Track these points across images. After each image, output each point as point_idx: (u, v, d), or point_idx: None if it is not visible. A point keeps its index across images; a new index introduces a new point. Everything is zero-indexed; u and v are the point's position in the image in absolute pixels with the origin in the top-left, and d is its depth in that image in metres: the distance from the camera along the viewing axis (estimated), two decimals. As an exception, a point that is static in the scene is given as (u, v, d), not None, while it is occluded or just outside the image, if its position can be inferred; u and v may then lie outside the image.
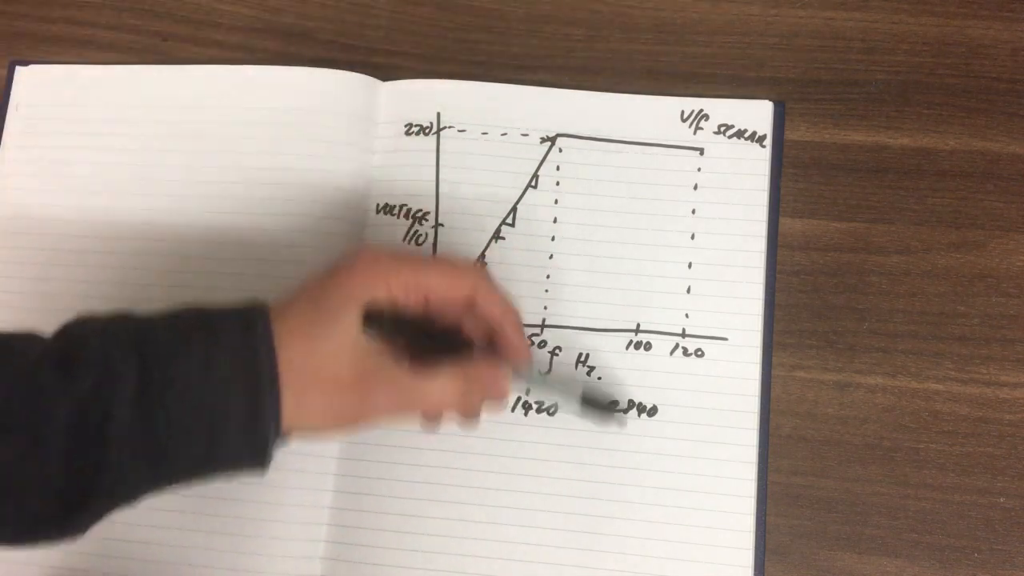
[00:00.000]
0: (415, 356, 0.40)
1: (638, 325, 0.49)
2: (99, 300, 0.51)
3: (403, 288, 0.40)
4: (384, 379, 0.39)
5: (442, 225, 0.51)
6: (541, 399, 0.48)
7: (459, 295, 0.41)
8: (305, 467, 0.48)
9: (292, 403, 0.38)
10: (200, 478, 0.39)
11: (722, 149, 0.51)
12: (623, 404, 0.48)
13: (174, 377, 0.36)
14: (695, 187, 0.50)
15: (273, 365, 0.37)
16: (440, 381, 0.40)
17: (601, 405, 0.46)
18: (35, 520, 0.37)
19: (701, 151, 0.51)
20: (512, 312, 0.43)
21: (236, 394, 0.37)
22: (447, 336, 0.42)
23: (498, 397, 0.42)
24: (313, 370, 0.38)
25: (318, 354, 0.38)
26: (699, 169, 0.50)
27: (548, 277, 0.50)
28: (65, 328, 0.38)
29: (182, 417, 0.37)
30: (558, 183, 0.51)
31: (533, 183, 0.51)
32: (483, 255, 0.51)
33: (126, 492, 0.38)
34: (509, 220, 0.51)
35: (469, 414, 0.42)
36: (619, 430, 0.48)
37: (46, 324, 0.51)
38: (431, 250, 0.51)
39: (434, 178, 0.52)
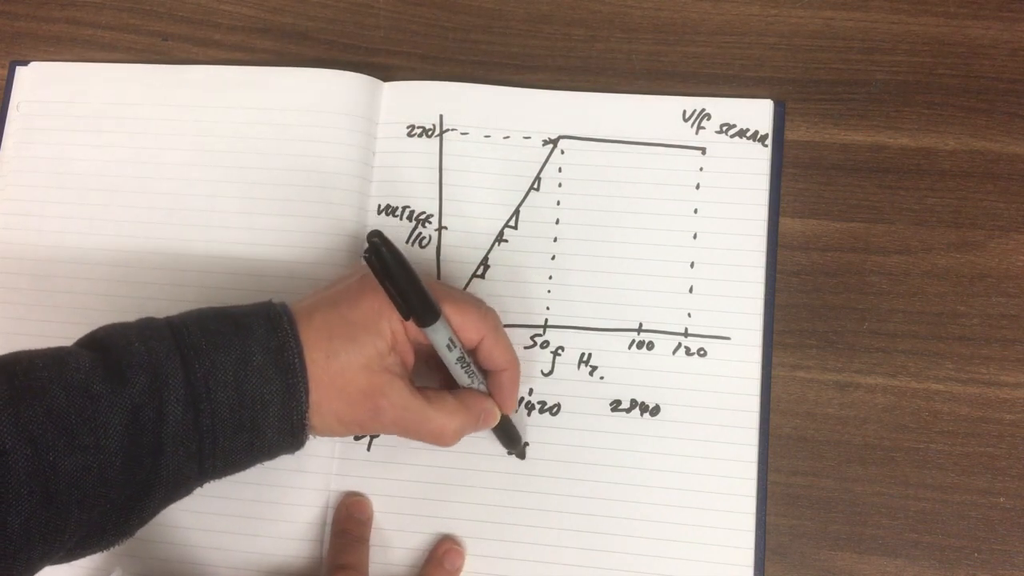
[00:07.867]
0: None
1: (641, 324, 0.49)
2: (99, 297, 0.52)
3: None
4: (394, 399, 0.41)
5: (446, 228, 0.51)
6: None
7: (473, 337, 0.43)
8: (306, 467, 0.48)
9: (313, 399, 0.40)
10: (242, 467, 0.41)
11: (724, 148, 0.50)
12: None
13: (214, 372, 0.38)
14: (697, 187, 0.50)
15: (301, 357, 0.39)
16: (446, 411, 0.42)
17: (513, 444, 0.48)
18: (97, 528, 0.37)
19: (703, 151, 0.51)
20: (515, 365, 0.45)
21: (272, 383, 0.39)
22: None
23: (484, 429, 0.45)
24: (331, 375, 0.40)
25: (339, 362, 0.40)
26: (701, 169, 0.50)
27: (551, 278, 0.50)
28: (99, 338, 0.39)
29: (226, 410, 0.38)
30: (560, 184, 0.51)
31: (535, 185, 0.51)
32: (486, 257, 0.51)
33: (178, 490, 0.39)
34: (512, 222, 0.51)
35: (455, 440, 0.44)
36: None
37: (45, 322, 0.51)
38: (435, 253, 0.51)
39: (437, 180, 0.52)
